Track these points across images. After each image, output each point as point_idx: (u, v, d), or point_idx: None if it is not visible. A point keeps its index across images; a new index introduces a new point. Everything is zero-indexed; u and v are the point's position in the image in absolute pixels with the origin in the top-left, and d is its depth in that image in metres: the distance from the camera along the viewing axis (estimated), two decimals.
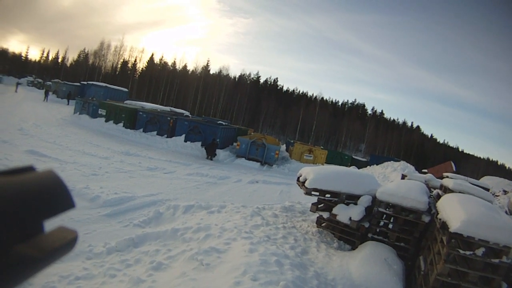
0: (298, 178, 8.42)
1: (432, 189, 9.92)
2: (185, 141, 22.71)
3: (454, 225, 5.06)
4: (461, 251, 5.08)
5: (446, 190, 8.36)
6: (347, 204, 7.89)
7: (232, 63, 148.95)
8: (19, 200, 0.50)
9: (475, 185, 9.23)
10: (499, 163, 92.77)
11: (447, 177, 10.96)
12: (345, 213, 7.53)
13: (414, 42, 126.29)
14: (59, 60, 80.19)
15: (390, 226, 7.67)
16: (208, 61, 78.45)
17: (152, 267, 5.27)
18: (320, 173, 8.00)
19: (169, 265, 5.41)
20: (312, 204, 8.30)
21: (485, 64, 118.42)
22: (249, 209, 8.60)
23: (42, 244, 0.51)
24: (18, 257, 0.47)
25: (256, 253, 5.43)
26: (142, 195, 9.67)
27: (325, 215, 8.06)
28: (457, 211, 5.43)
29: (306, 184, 7.76)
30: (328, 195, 8.02)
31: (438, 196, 8.04)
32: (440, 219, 5.76)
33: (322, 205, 8.47)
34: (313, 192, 7.81)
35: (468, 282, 5.11)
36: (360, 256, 6.52)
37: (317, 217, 8.63)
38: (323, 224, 8.55)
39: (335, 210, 7.75)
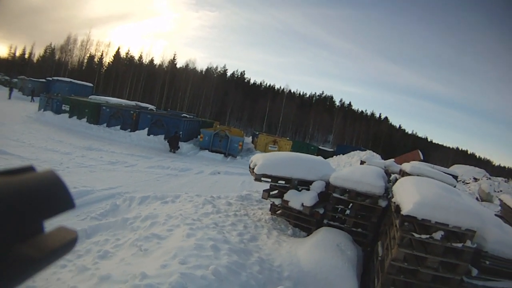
0: (250, 165, 8.20)
1: (392, 175, 9.77)
2: (148, 134, 22.75)
3: (406, 208, 4.79)
4: (416, 235, 4.74)
5: (404, 174, 8.20)
6: (300, 190, 7.68)
7: (199, 56, 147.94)
8: (19, 200, 0.49)
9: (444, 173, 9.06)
10: (469, 152, 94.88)
11: None
12: (297, 199, 7.31)
13: (382, 36, 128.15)
14: (26, 56, 78.08)
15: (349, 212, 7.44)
16: (175, 54, 77.82)
17: (98, 256, 5.27)
18: (269, 159, 7.85)
19: (115, 253, 5.40)
20: (264, 191, 8.13)
21: (451, 58, 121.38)
22: (202, 198, 8.50)
23: (42, 244, 0.50)
24: (18, 257, 0.47)
25: (193, 238, 5.37)
26: (101, 188, 9.65)
27: (278, 201, 7.89)
28: (410, 193, 5.20)
29: (255, 170, 7.59)
30: (282, 182, 7.85)
31: (396, 181, 7.81)
32: (394, 203, 5.51)
33: (276, 192, 8.27)
34: (263, 179, 7.64)
35: (427, 267, 4.79)
36: (311, 242, 6.32)
37: (271, 204, 8.45)
38: (278, 212, 8.37)
39: (286, 196, 7.54)
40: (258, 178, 7.55)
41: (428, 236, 4.72)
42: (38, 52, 78.69)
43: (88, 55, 74.67)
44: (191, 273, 4.20)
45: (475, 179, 23.39)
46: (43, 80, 47.48)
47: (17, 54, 78.91)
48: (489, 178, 23.68)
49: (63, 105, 25.05)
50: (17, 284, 0.47)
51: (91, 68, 72.02)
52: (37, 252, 0.48)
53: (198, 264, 4.51)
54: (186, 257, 4.65)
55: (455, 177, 9.95)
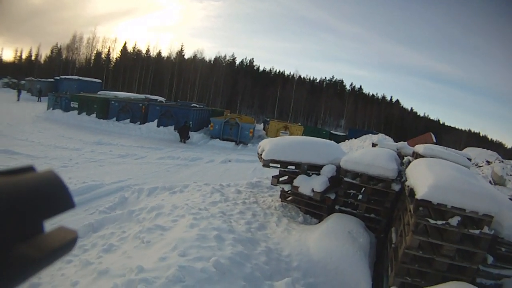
0: (258, 151, 8.00)
1: (405, 157, 9.51)
2: (158, 126, 22.80)
3: (421, 191, 4.44)
4: (432, 221, 4.44)
5: (417, 156, 7.92)
6: (310, 174, 7.48)
7: (206, 46, 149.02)
8: (19, 200, 0.49)
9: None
10: (481, 135, 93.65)
11: None
12: (307, 184, 7.05)
13: (389, 18, 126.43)
14: (33, 57, 79.25)
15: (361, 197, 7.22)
16: (182, 46, 78.43)
17: (103, 250, 5.22)
18: (277, 144, 7.59)
19: (119, 246, 5.30)
20: (273, 177, 7.90)
21: (462, 39, 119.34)
22: (210, 187, 8.40)
23: (42, 244, 0.50)
24: (18, 257, 0.47)
25: (196, 228, 5.21)
26: (110, 182, 9.68)
27: (287, 187, 7.69)
28: (424, 176, 4.85)
29: (262, 156, 7.35)
30: (292, 167, 7.66)
31: (409, 163, 7.54)
32: (408, 186, 5.22)
33: (286, 177, 8.07)
34: (271, 164, 7.42)
35: (443, 256, 4.44)
36: (321, 229, 6.05)
37: (281, 191, 8.23)
38: (288, 198, 8.11)
39: (296, 182, 7.29)
40: (266, 164, 7.33)
41: (444, 222, 4.39)
42: (45, 53, 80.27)
43: (95, 52, 75.88)
44: (190, 266, 4.05)
45: (488, 162, 22.94)
46: (51, 80, 47.88)
47: (24, 56, 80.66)
48: (502, 161, 23.22)
49: (72, 103, 25.18)
50: (17, 284, 0.47)
51: (99, 65, 73.21)
52: (37, 252, 0.48)
53: (199, 256, 4.36)
54: (187, 249, 4.50)
55: (469, 159, 9.64)
